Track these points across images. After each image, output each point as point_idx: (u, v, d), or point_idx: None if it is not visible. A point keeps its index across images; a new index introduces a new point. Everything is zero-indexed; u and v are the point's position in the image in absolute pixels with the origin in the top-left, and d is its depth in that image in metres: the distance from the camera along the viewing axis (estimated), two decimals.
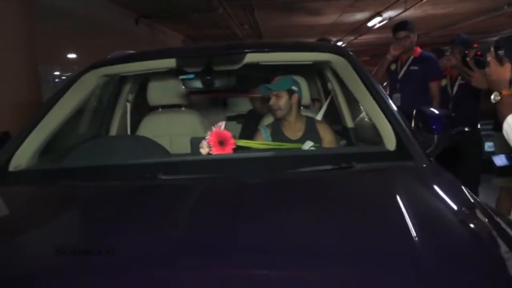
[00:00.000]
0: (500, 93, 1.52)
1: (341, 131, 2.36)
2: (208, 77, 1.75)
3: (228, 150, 1.52)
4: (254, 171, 1.42)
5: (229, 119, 3.27)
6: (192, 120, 2.42)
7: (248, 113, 3.10)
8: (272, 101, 2.08)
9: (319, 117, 2.35)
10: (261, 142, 1.78)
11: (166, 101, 2.49)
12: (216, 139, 1.54)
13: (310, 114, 2.29)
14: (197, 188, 1.32)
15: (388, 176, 1.36)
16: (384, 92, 1.69)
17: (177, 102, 2.50)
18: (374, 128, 1.65)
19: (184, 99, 2.50)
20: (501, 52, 1.54)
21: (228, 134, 1.54)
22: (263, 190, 1.29)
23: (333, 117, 2.43)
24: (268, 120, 2.31)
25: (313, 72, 2.72)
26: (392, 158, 1.45)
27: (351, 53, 1.88)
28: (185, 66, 1.87)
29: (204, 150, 1.54)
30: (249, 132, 2.52)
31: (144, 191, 1.33)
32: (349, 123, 2.27)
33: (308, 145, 1.63)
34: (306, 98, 2.29)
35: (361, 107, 1.73)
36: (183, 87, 1.85)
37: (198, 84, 1.77)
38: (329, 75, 2.23)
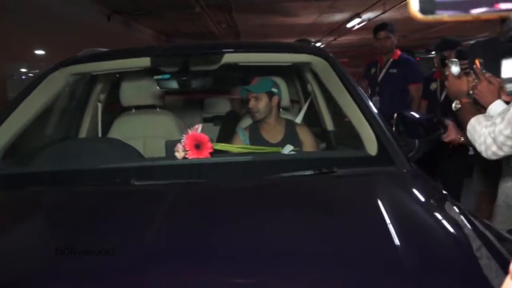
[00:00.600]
0: (461, 102, 1.64)
1: (320, 134, 2.36)
2: (184, 78, 1.73)
3: (205, 154, 1.50)
4: (232, 176, 1.40)
5: (205, 120, 3.26)
6: (167, 121, 2.39)
7: (226, 115, 3.08)
8: (251, 103, 2.06)
9: (298, 119, 2.35)
10: (240, 145, 1.77)
11: (140, 102, 2.44)
12: (192, 142, 1.51)
13: (289, 117, 2.28)
14: (173, 194, 1.29)
15: (370, 181, 1.36)
16: (365, 95, 1.70)
17: (151, 103, 2.45)
18: (354, 131, 1.65)
19: (158, 100, 2.46)
20: (455, 68, 1.67)
21: (205, 137, 1.52)
22: (242, 196, 1.28)
23: (312, 119, 2.43)
24: (246, 122, 2.29)
25: (292, 73, 2.72)
26: (373, 163, 1.46)
27: (331, 54, 1.88)
28: (160, 66, 1.84)
29: (179, 154, 1.51)
30: (227, 134, 2.50)
31: (117, 197, 1.30)
32: (329, 126, 2.28)
33: (288, 149, 1.62)
34: (285, 100, 2.29)
35: (342, 109, 1.73)
36: (158, 87, 1.82)
37: (173, 84, 1.75)
38: (309, 76, 2.24)
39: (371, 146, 1.51)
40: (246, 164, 1.46)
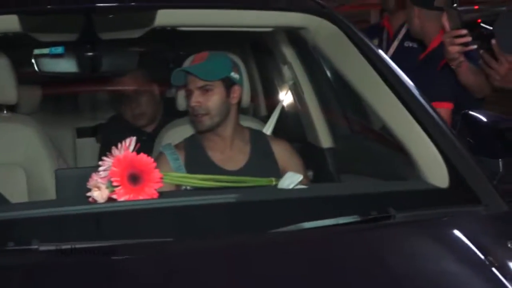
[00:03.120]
0: None
1: (305, 154, 2.42)
2: (92, 53, 1.73)
3: (149, 193, 1.50)
4: (208, 231, 1.42)
5: (81, 133, 3.28)
6: (28, 135, 2.33)
7: (108, 124, 3.11)
8: (195, 99, 2.06)
9: (268, 129, 2.41)
10: (210, 176, 1.75)
11: None
12: (125, 170, 1.50)
13: (252, 124, 2.34)
14: (114, 268, 1.27)
15: (454, 235, 1.42)
16: (412, 82, 1.78)
17: None
18: (392, 148, 1.75)
19: (7, 94, 2.36)
20: None
21: (148, 160, 1.51)
22: (229, 271, 1.26)
23: (288, 128, 2.52)
24: (175, 134, 2.33)
25: (243, 44, 2.81)
26: (446, 200, 1.54)
27: (342, 16, 1.94)
28: (37, 31, 1.79)
29: (100, 194, 1.48)
30: None
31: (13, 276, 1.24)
32: (325, 140, 2.36)
33: (290, 180, 1.63)
34: (247, 95, 2.32)
35: (371, 109, 1.80)
36: (39, 69, 1.78)
37: (69, 65, 1.76)
38: (288, 52, 2.30)
39: (436, 174, 1.58)
40: (232, 209, 1.49)
